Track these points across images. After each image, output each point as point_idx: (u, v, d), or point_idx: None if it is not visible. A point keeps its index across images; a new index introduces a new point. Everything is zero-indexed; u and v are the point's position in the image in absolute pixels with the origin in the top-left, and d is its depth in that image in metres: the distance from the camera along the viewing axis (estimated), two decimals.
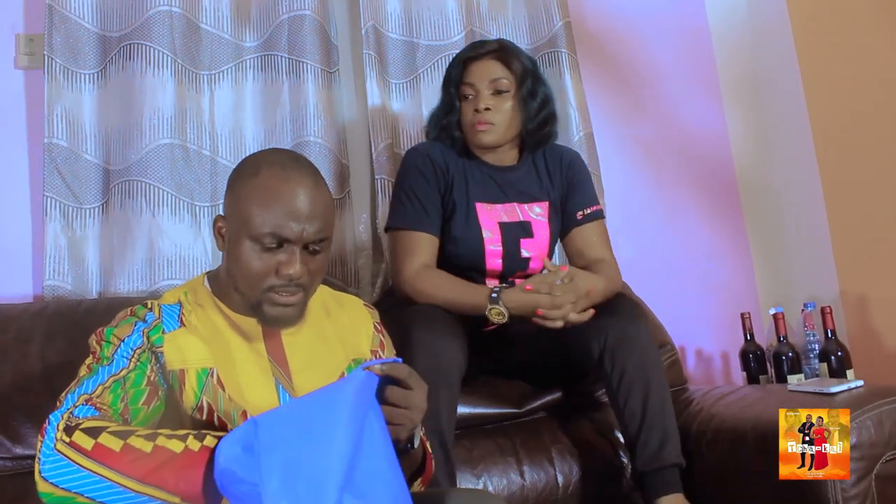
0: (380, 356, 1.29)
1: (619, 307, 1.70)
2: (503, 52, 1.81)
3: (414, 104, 2.20)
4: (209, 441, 0.95)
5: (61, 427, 0.98)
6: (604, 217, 1.92)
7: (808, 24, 2.46)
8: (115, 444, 0.95)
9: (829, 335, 2.15)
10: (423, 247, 1.74)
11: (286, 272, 1.11)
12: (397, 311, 1.67)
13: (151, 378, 1.11)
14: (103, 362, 1.10)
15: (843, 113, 2.40)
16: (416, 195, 1.77)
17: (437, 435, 1.51)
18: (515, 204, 1.83)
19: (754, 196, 2.61)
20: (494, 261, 1.78)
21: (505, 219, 1.80)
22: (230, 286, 1.17)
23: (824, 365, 2.14)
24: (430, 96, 2.15)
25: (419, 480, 1.22)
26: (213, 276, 1.23)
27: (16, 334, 1.64)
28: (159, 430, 0.99)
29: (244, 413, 1.12)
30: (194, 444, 0.95)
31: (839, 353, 2.14)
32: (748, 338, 2.27)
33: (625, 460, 1.75)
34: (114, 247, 1.90)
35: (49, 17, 1.91)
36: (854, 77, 2.39)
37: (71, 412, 1.00)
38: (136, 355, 1.12)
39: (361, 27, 2.15)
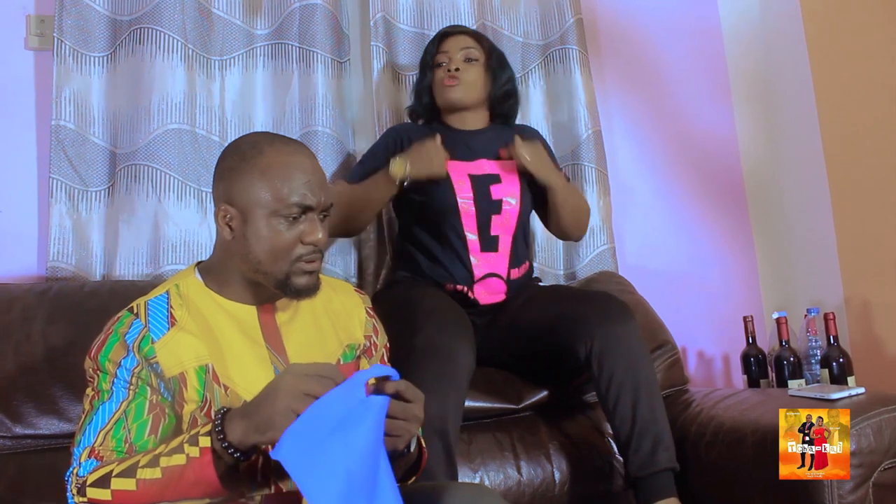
0: (374, 341, 1.29)
1: (607, 308, 1.69)
2: (475, 32, 2.03)
3: None
4: (204, 442, 1.01)
5: (75, 492, 1.05)
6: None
7: (821, 28, 2.44)
8: (128, 484, 1.02)
9: (832, 341, 2.15)
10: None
11: (311, 239, 1.15)
12: (402, 305, 1.68)
13: (154, 401, 1.12)
14: (103, 397, 1.11)
15: (853, 119, 2.39)
16: (364, 162, 1.94)
17: (442, 436, 1.52)
18: (483, 160, 1.91)
19: (761, 199, 2.60)
20: (468, 206, 1.84)
21: (474, 172, 1.88)
22: (248, 271, 1.16)
23: (825, 371, 2.14)
24: None
25: (413, 478, 1.23)
26: (204, 268, 1.23)
27: (19, 314, 1.64)
28: (157, 450, 1.03)
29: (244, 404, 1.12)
30: (193, 451, 1.01)
31: (841, 360, 2.13)
32: (750, 341, 2.26)
33: (621, 458, 1.74)
34: (118, 230, 1.91)
35: None
36: (865, 83, 2.37)
37: (76, 473, 1.07)
38: (134, 377, 1.11)
39: (370, 18, 2.15)
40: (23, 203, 1.93)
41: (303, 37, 2.08)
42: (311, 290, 1.17)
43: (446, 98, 1.93)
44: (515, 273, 1.88)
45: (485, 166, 1.89)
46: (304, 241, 1.15)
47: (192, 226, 1.94)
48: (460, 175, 1.86)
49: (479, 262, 1.83)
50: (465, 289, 1.83)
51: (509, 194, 1.87)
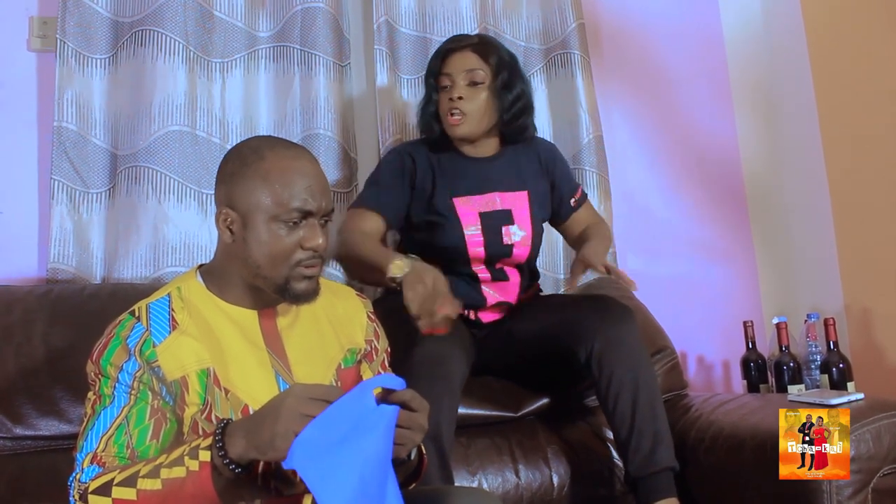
0: (374, 346, 1.29)
1: (607, 310, 1.70)
2: (482, 45, 1.85)
3: None
4: (204, 456, 1.00)
5: (77, 497, 1.05)
6: (586, 195, 2.01)
7: (823, 35, 2.44)
8: (129, 493, 1.01)
9: (832, 347, 2.15)
10: (367, 219, 1.79)
11: (311, 244, 1.14)
12: (398, 313, 1.67)
13: (156, 405, 1.11)
14: (105, 402, 1.11)
15: (855, 125, 2.39)
16: (378, 183, 1.84)
17: (436, 442, 1.52)
18: (495, 194, 1.84)
19: (762, 204, 2.60)
20: (476, 249, 1.79)
21: (485, 209, 1.82)
22: (248, 275, 1.16)
23: (825, 376, 2.14)
24: None
25: (413, 485, 1.23)
26: (206, 271, 1.22)
27: (21, 316, 1.65)
28: (157, 460, 1.03)
29: (246, 408, 1.12)
30: (193, 465, 1.00)
31: (840, 366, 2.13)
32: (750, 346, 2.26)
33: (619, 462, 1.74)
34: (119, 232, 1.91)
35: (63, 1, 1.92)
36: (867, 90, 2.38)
37: (79, 479, 1.06)
38: (136, 382, 1.11)
39: (374, 22, 2.15)
40: (24, 204, 1.93)
41: (304, 40, 2.08)
42: (310, 296, 1.17)
43: (452, 134, 1.82)
44: (525, 298, 1.87)
45: (496, 201, 1.83)
46: (304, 247, 1.15)
47: (193, 228, 1.95)
48: (470, 214, 1.80)
49: (491, 292, 1.82)
50: (473, 314, 1.82)
51: (521, 235, 1.82)
